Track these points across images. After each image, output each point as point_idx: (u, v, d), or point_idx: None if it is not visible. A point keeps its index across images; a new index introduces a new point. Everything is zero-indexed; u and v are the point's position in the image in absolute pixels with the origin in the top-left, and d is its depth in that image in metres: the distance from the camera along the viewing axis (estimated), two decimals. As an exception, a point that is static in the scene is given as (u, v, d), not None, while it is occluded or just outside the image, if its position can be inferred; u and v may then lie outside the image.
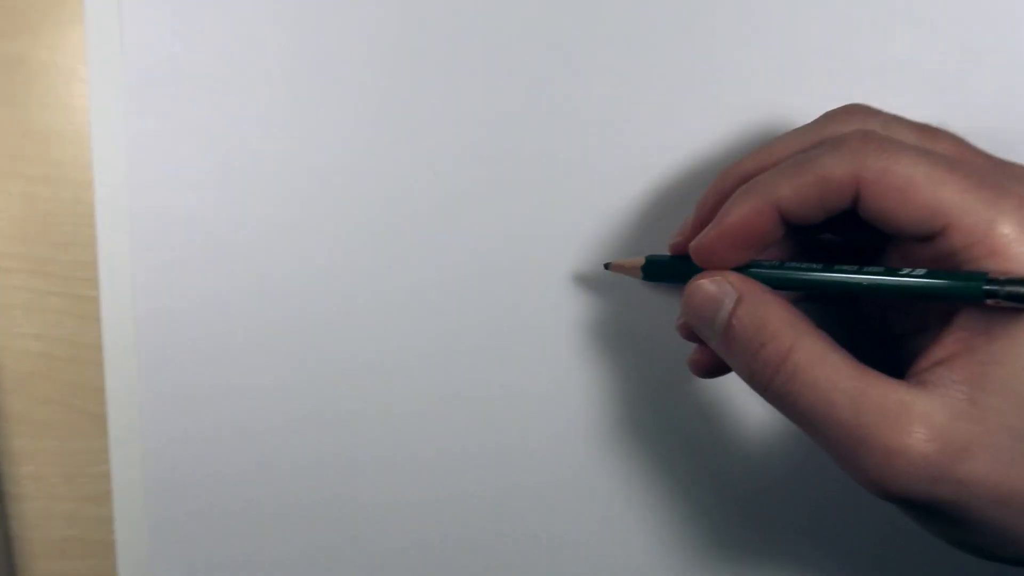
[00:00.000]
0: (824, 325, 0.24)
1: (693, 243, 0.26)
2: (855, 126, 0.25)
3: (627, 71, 0.31)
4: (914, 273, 0.23)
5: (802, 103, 0.30)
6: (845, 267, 0.24)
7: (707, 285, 0.25)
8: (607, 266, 0.31)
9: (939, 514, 0.23)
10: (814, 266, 0.25)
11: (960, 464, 0.21)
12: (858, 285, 0.24)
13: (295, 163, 0.31)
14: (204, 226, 0.31)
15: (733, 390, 0.32)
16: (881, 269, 0.24)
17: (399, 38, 0.31)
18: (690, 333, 0.29)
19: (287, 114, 0.31)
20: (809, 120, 0.26)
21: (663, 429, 0.32)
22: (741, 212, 0.25)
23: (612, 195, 0.31)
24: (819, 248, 0.29)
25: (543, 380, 0.32)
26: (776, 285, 0.25)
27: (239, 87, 0.31)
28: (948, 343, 0.23)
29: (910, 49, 0.30)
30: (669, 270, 0.29)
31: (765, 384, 0.24)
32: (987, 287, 0.21)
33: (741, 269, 0.25)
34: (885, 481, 0.22)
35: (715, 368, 0.28)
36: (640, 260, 0.29)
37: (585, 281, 0.32)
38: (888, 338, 0.27)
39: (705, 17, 0.30)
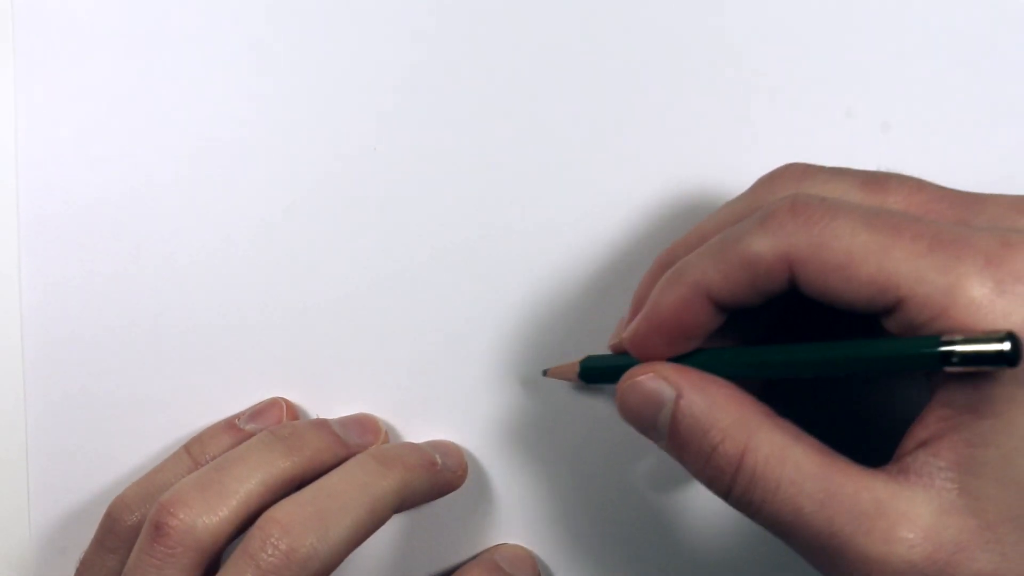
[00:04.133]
0: (805, 409, 0.21)
1: (624, 335, 0.23)
2: (789, 189, 0.22)
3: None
4: (860, 344, 0.20)
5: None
6: (785, 346, 0.22)
7: (643, 382, 0.22)
8: (545, 373, 0.29)
9: None
10: (750, 349, 0.22)
11: (957, 567, 0.18)
12: (800, 362, 0.21)
13: (213, 145, 0.30)
14: (100, 216, 0.30)
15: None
16: (822, 345, 0.21)
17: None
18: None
19: (204, 88, 0.29)
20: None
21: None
22: (668, 302, 0.22)
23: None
24: (787, 325, 0.26)
25: (493, 371, 0.30)
26: (719, 373, 0.22)
27: (143, 63, 0.29)
28: (930, 422, 0.20)
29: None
30: (610, 371, 0.25)
31: (724, 492, 0.21)
32: (943, 349, 0.18)
33: (683, 357, 0.23)
34: None
35: None
36: (576, 364, 0.27)
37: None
38: (878, 421, 0.24)
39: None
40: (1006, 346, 0.18)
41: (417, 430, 0.31)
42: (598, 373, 0.27)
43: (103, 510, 0.29)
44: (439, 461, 0.29)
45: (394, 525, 0.31)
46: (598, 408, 0.30)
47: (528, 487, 0.31)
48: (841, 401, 0.25)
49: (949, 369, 0.18)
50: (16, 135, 0.30)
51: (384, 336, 0.30)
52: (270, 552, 0.24)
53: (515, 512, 0.31)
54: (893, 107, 0.27)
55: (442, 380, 0.30)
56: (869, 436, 0.21)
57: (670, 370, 0.22)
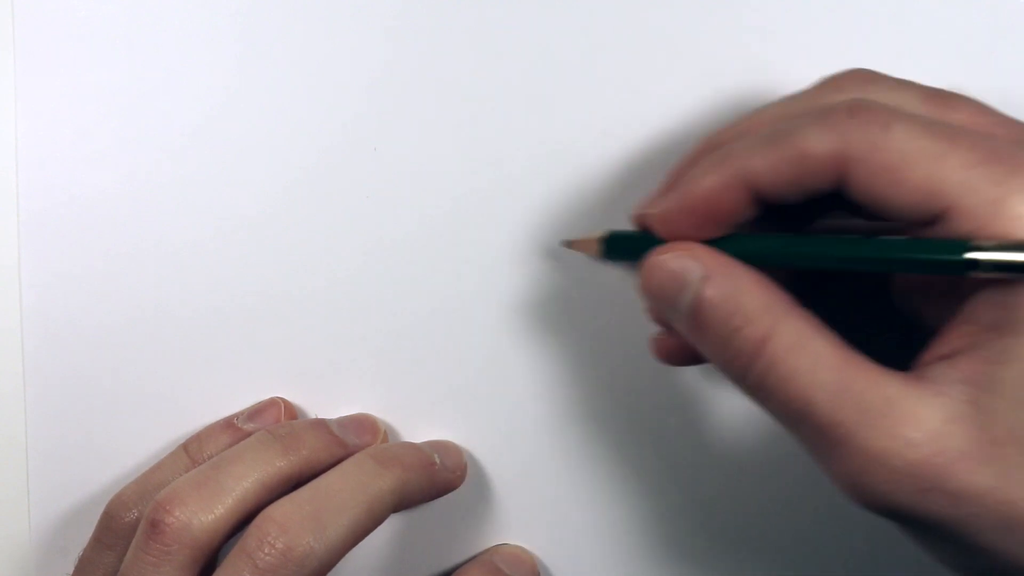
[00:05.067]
0: (831, 311, 0.21)
1: (654, 211, 0.23)
2: (853, 94, 0.21)
3: (592, 30, 0.28)
4: (889, 241, 0.20)
5: (802, 68, 0.26)
6: (816, 237, 0.21)
7: (669, 260, 0.22)
8: (564, 244, 0.28)
9: (932, 532, 0.20)
10: (780, 237, 0.22)
11: (955, 475, 0.18)
12: (829, 255, 0.21)
13: (211, 142, 0.30)
14: (100, 212, 0.30)
15: (704, 381, 0.29)
16: (853, 239, 0.21)
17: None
18: (661, 317, 0.25)
19: (201, 84, 0.29)
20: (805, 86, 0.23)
21: (627, 422, 0.30)
22: (707, 184, 0.21)
23: (575, 163, 0.29)
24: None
25: (492, 370, 0.30)
26: (746, 259, 0.22)
27: (144, 57, 0.29)
28: (953, 337, 0.20)
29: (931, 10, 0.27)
30: (634, 246, 0.24)
31: (740, 375, 0.21)
32: (969, 255, 0.18)
33: (712, 241, 0.22)
34: (863, 488, 0.19)
35: (682, 354, 0.25)
36: (599, 235, 0.26)
37: (543, 260, 0.29)
38: (903, 332, 0.24)
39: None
40: None
41: (417, 430, 0.31)
42: (623, 247, 0.25)
43: (103, 509, 0.29)
44: (438, 461, 0.29)
45: (392, 525, 0.31)
46: (597, 405, 0.30)
47: (528, 487, 0.30)
48: (868, 308, 0.25)
49: (975, 275, 0.19)
50: (16, 132, 0.30)
51: (384, 335, 0.30)
52: (267, 551, 0.24)
53: (515, 512, 0.31)
54: (893, 106, 0.27)
55: (442, 379, 0.30)
56: (892, 345, 0.21)
57: (700, 250, 0.22)
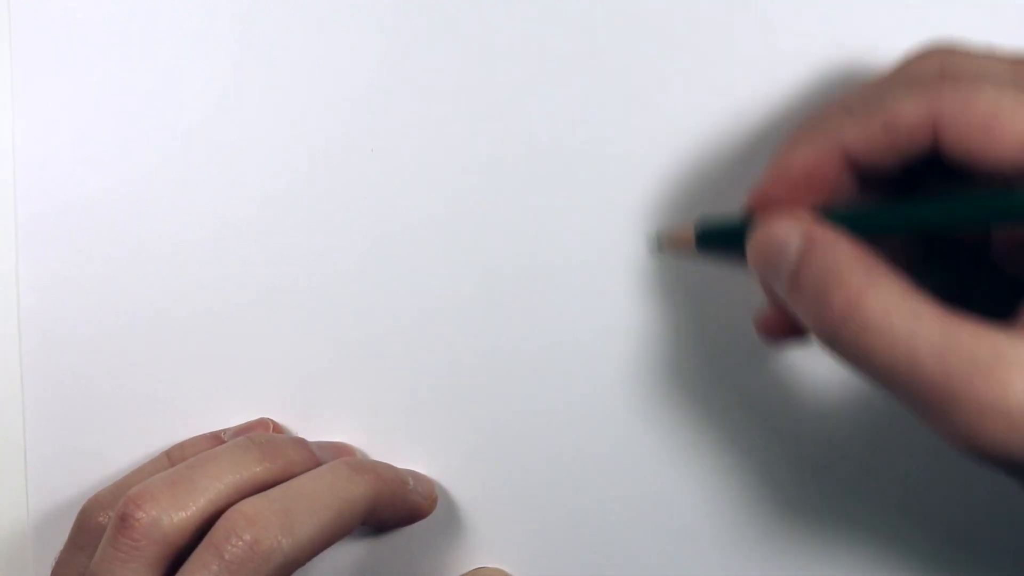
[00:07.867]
0: (948, 286, 0.21)
1: (751, 190, 0.23)
2: (936, 64, 0.22)
3: (593, 29, 0.28)
4: (982, 195, 0.20)
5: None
6: (911, 201, 0.22)
7: (773, 227, 0.22)
8: (657, 242, 0.28)
9: None
10: (877, 205, 0.22)
11: None
12: (924, 216, 0.21)
13: (208, 144, 0.30)
14: (98, 215, 0.30)
15: (681, 401, 0.29)
16: (949, 198, 0.21)
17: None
18: (769, 329, 0.26)
19: (199, 85, 0.30)
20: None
21: (612, 441, 0.29)
22: (802, 156, 0.22)
23: (573, 164, 0.29)
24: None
25: (490, 378, 0.30)
26: (852, 228, 0.22)
27: (142, 57, 0.30)
28: None
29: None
30: (728, 235, 0.25)
31: (832, 336, 0.21)
32: None
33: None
34: (980, 440, 0.19)
35: (783, 330, 0.25)
36: (689, 227, 0.26)
37: (540, 264, 0.29)
38: (1001, 290, 0.24)
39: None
40: None
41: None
42: (717, 237, 0.26)
43: (79, 509, 0.29)
44: (411, 483, 0.29)
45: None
46: (579, 430, 0.29)
47: (509, 504, 0.30)
48: (967, 276, 0.25)
49: None
50: (14, 133, 0.31)
51: (384, 338, 0.30)
52: (234, 542, 0.24)
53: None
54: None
55: (441, 385, 0.30)
56: (991, 305, 0.21)
57: (803, 218, 0.22)
